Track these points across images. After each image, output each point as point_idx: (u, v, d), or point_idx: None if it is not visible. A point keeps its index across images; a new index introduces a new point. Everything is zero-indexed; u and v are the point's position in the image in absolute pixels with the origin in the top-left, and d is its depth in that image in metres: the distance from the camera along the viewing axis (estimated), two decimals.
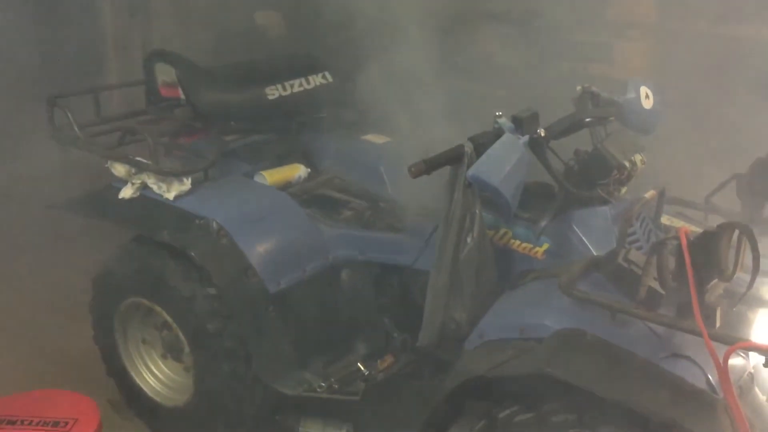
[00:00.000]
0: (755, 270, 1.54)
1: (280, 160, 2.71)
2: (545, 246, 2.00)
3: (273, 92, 2.70)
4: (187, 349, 2.34)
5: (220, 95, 2.66)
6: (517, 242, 2.05)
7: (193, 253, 2.21)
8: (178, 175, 2.36)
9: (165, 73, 2.74)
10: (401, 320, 2.40)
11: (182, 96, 2.70)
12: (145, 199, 2.41)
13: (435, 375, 2.22)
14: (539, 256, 2.01)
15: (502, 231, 2.07)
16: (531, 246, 2.03)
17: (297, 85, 2.78)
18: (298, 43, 3.64)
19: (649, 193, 2.00)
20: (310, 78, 2.83)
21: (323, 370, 2.34)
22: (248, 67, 2.89)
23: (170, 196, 2.33)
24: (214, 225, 2.24)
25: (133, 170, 2.45)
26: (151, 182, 2.38)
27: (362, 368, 2.31)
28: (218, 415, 2.34)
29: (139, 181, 2.43)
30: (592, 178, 1.95)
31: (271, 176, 2.59)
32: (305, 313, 2.34)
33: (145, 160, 2.38)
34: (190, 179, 2.38)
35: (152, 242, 2.35)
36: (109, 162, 2.50)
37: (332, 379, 2.28)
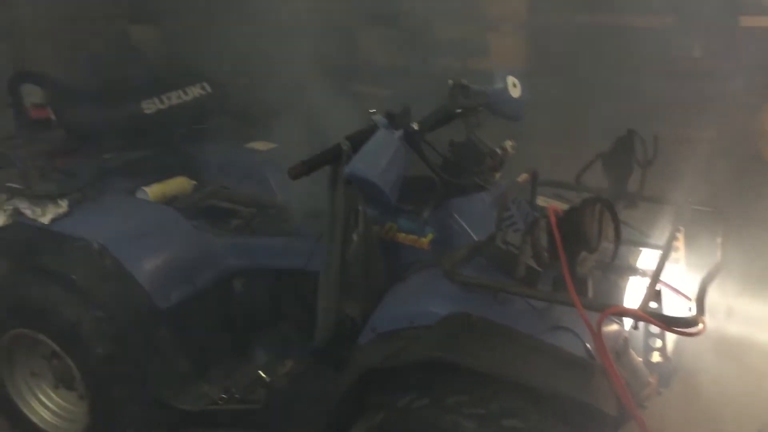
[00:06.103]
0: (617, 239, 1.64)
1: (163, 175, 2.65)
2: (430, 236, 2.05)
3: (150, 106, 2.64)
4: (78, 377, 2.26)
5: (92, 113, 2.58)
6: (403, 235, 2.09)
7: (74, 277, 2.14)
8: (52, 197, 2.27)
9: (32, 95, 2.64)
10: (300, 324, 2.40)
11: (53, 117, 2.61)
12: (20, 226, 2.31)
13: (336, 375, 2.24)
14: (425, 247, 2.06)
15: (388, 225, 2.11)
16: (416, 237, 2.07)
17: (175, 98, 2.74)
18: (175, 55, 3.58)
19: (522, 177, 2.09)
20: (188, 89, 2.79)
21: (223, 381, 2.32)
22: (122, 82, 2.81)
23: (45, 219, 2.25)
24: (95, 245, 2.17)
25: (5, 197, 2.35)
26: (24, 207, 2.28)
27: (263, 375, 2.29)
28: None
29: (11, 208, 2.33)
30: (468, 166, 2.02)
31: (154, 192, 2.53)
32: (200, 325, 2.31)
33: (15, 185, 2.28)
34: (66, 201, 2.29)
35: (31, 270, 2.25)
36: None
37: (233, 390, 2.26)
